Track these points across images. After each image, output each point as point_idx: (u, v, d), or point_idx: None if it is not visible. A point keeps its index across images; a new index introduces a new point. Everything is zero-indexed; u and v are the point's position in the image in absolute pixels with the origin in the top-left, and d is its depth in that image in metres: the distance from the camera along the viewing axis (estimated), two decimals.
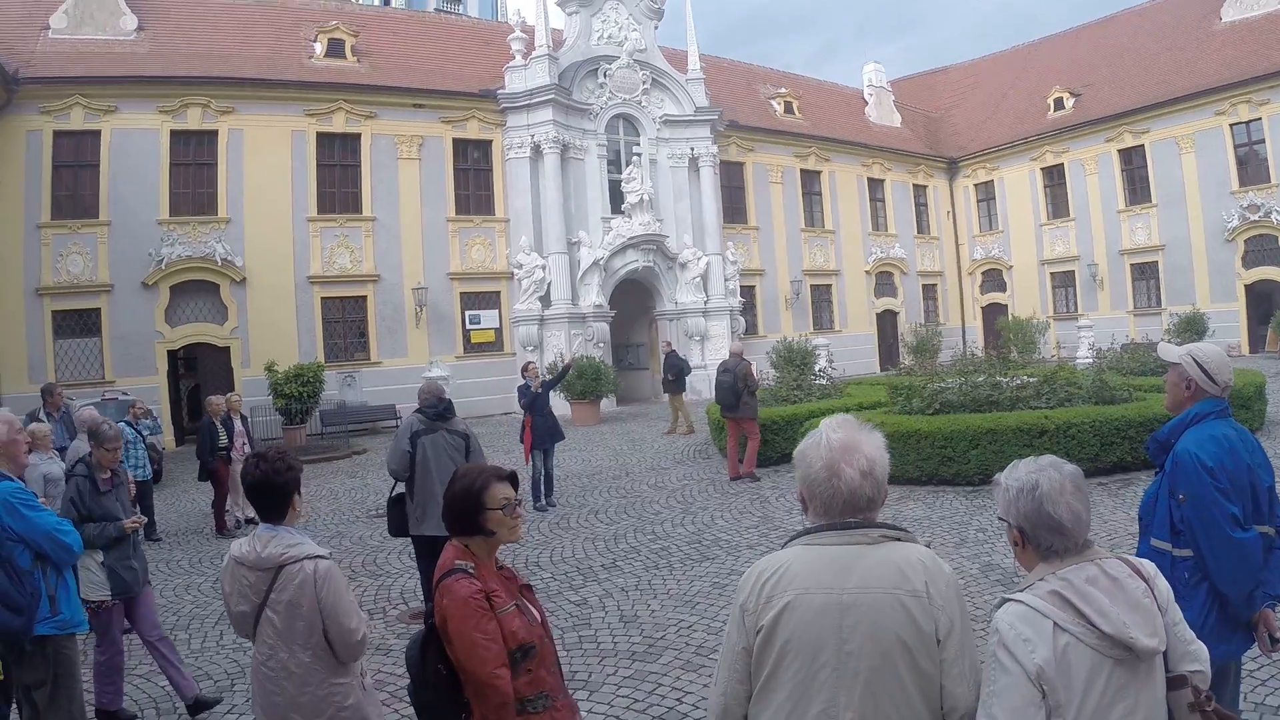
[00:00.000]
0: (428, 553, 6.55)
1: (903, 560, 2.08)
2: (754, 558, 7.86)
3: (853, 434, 2.22)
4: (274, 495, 3.21)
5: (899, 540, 2.14)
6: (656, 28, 27.98)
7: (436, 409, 6.96)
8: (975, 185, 36.26)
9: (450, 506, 2.82)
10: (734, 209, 29.80)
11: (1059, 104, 33.00)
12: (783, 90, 33.44)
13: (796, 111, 33.00)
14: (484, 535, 2.79)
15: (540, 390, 12.43)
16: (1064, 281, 33.36)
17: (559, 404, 22.40)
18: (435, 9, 40.43)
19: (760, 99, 32.75)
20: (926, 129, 38.31)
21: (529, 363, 14.08)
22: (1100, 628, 2.00)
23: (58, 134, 21.24)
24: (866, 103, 37.00)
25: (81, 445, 7.85)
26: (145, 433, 11.84)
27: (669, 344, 20.07)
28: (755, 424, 12.36)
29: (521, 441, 12.28)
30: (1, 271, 20.49)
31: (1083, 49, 35.14)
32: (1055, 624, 2.02)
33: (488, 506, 2.78)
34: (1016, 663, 1.99)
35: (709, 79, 28.54)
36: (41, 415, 10.56)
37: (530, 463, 11.92)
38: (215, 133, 22.45)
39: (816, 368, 20.04)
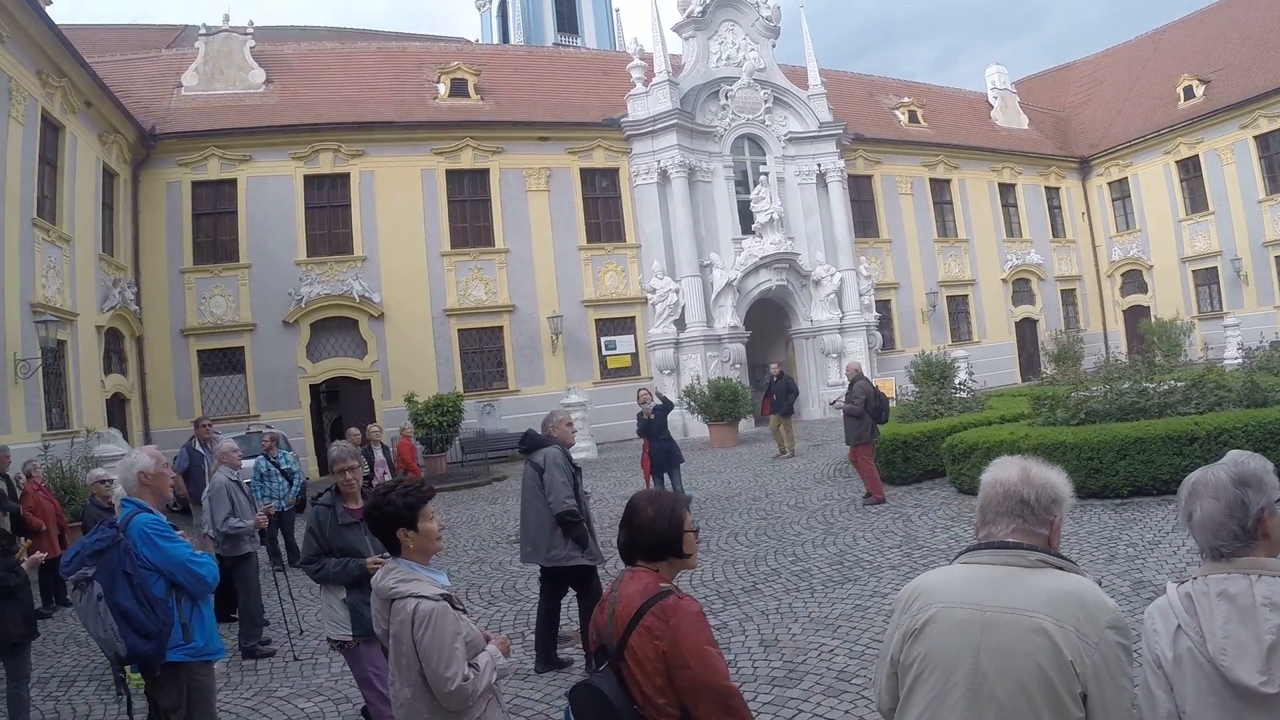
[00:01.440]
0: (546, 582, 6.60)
1: (1057, 588, 2.03)
2: (897, 579, 7.74)
3: (1029, 461, 2.22)
4: (380, 528, 3.19)
5: (1061, 569, 2.09)
6: (774, 46, 27.66)
7: (524, 443, 6.87)
8: (1109, 184, 34.40)
9: (651, 530, 2.76)
10: (865, 223, 29.00)
11: (1189, 93, 31.01)
12: (906, 99, 32.58)
13: (921, 120, 32.05)
14: (677, 559, 2.78)
15: (652, 418, 12.73)
16: (1207, 279, 31.16)
17: (696, 426, 22.41)
18: (553, 43, 41.23)
19: (884, 110, 31.96)
20: (1055, 129, 36.70)
21: (641, 389, 14.20)
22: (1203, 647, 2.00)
23: (196, 184, 22.41)
24: (992, 106, 35.70)
25: (222, 476, 8.06)
26: (282, 464, 11.94)
27: (777, 366, 19.35)
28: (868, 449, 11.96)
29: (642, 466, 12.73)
30: (149, 314, 21.59)
31: (1209, 33, 33.05)
32: (1179, 625, 2.05)
33: (685, 529, 2.78)
34: (1148, 649, 2.11)
35: (830, 93, 27.98)
36: (198, 447, 10.89)
37: (648, 483, 12.10)
38: (347, 175, 23.20)
39: (956, 381, 19.38)
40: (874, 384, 12.95)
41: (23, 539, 6.69)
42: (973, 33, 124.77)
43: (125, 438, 17.89)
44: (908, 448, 12.63)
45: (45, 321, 15.56)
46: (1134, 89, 34.95)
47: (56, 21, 16.94)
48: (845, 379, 12.43)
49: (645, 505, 2.81)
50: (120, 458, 14.15)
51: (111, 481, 8.78)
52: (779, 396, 18.23)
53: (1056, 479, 2.19)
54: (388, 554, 3.44)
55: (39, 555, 6.55)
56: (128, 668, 4.44)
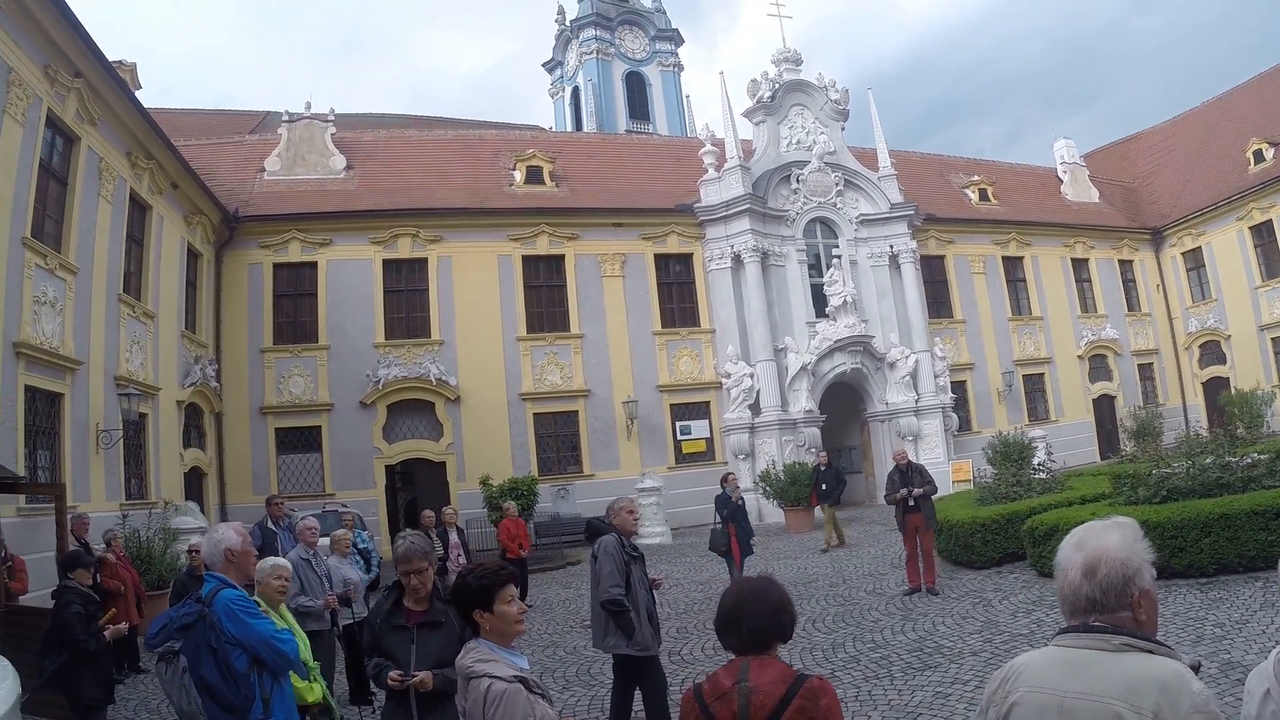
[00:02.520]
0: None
1: (1139, 674, 1.95)
2: (978, 665, 7.64)
3: (1091, 531, 2.15)
4: (458, 607, 3.28)
5: (1149, 652, 2.00)
6: (843, 129, 27.83)
7: (586, 530, 7.06)
8: (1182, 254, 33.63)
9: (777, 615, 2.77)
10: (938, 303, 28.71)
11: (1259, 156, 30.32)
12: (975, 177, 32.42)
13: (992, 198, 31.84)
14: (780, 645, 2.79)
15: (740, 503, 12.83)
16: None
17: (771, 510, 22.10)
18: (625, 130, 41.98)
19: (954, 189, 31.83)
20: (1125, 201, 36.20)
21: (729, 473, 14.15)
22: None
23: (277, 266, 23.05)
24: (1061, 180, 35.36)
25: (294, 554, 8.04)
26: (359, 543, 11.94)
27: (825, 455, 19.07)
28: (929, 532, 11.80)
29: (715, 551, 12.77)
30: (229, 391, 22.05)
31: (1276, 95, 32.47)
32: (1269, 690, 2.04)
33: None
34: (1243, 712, 2.12)
35: (900, 173, 27.95)
36: (270, 525, 10.92)
37: (741, 570, 12.13)
38: (425, 260, 23.65)
39: (1035, 461, 18.86)
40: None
41: (109, 609, 6.70)
42: (1038, 108, 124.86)
43: (202, 510, 18.27)
44: (987, 531, 12.42)
45: (128, 395, 15.99)
46: (1203, 156, 34.44)
47: (145, 105, 17.59)
48: (897, 464, 12.16)
49: (763, 594, 2.81)
50: (197, 530, 14.54)
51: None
52: (829, 486, 17.77)
53: (1124, 555, 2.09)
54: (416, 674, 4.03)
55: (122, 626, 6.63)
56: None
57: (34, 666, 6.09)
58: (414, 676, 4.05)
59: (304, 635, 5.47)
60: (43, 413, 13.84)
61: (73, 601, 6.27)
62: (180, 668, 4.30)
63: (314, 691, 5.35)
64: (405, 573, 4.31)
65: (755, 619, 2.74)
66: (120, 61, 18.50)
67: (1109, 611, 2.05)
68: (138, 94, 17.88)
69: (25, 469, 12.59)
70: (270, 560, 5.67)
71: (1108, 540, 2.10)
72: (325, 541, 10.46)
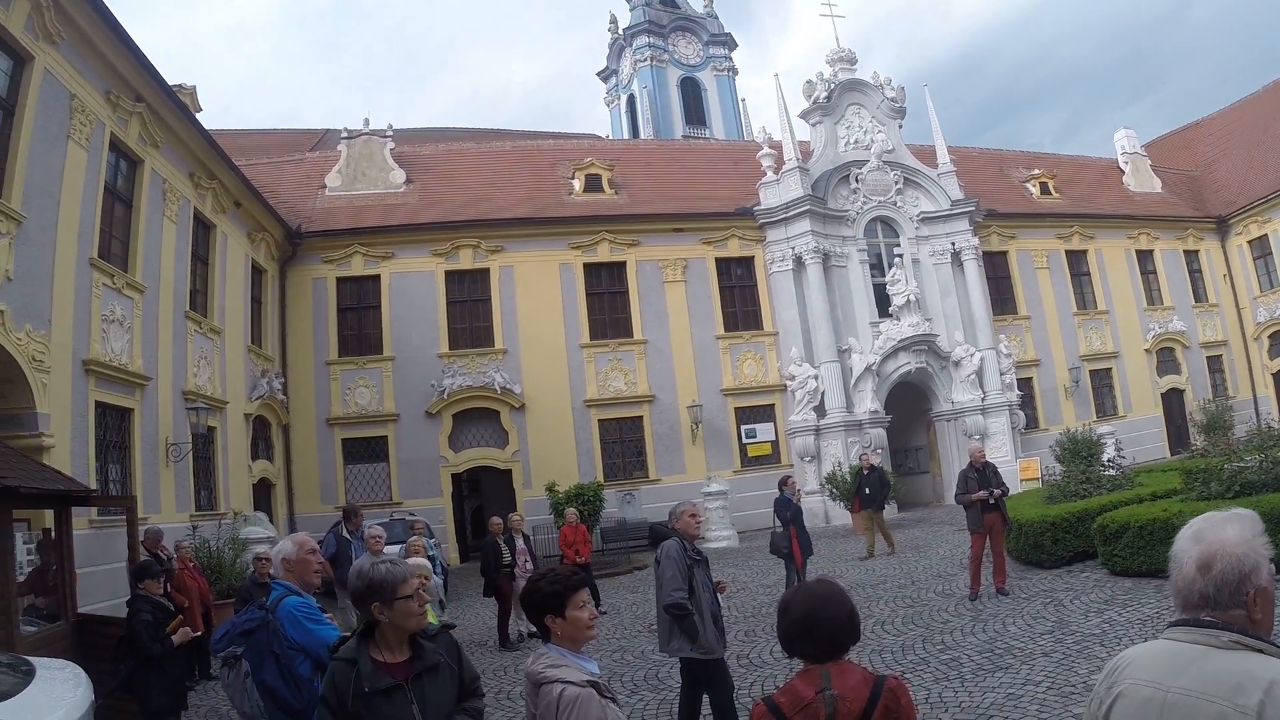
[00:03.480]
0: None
1: (1246, 672, 1.87)
2: (1050, 666, 7.53)
3: (1210, 523, 2.07)
4: (529, 613, 3.27)
5: (1259, 651, 1.92)
6: (900, 126, 27.52)
7: (650, 535, 6.96)
8: (1248, 242, 32.70)
9: (851, 618, 2.75)
10: (1002, 299, 28.26)
11: None
12: (1036, 171, 31.89)
13: (1053, 191, 31.30)
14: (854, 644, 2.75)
15: (800, 506, 12.91)
16: None
17: (838, 513, 21.95)
18: (682, 136, 42.02)
19: (1014, 183, 31.34)
20: (1189, 190, 35.36)
21: (788, 476, 14.13)
22: None
23: (341, 280, 23.42)
24: (1123, 171, 34.65)
25: (361, 562, 8.04)
26: (428, 550, 12.06)
27: (868, 457, 18.59)
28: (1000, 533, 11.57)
29: (776, 554, 12.72)
30: (295, 404, 22.47)
31: None
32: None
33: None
34: None
35: (960, 169, 27.55)
36: (345, 533, 11.07)
37: (803, 573, 12.14)
38: (487, 271, 23.85)
39: (1104, 458, 18.41)
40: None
41: (177, 615, 6.84)
42: (1095, 99, 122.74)
43: (270, 521, 18.55)
44: (1057, 529, 12.19)
45: (196, 409, 16.36)
46: (1265, 142, 33.51)
47: (206, 127, 17.96)
48: (973, 463, 11.86)
49: (830, 602, 2.75)
50: (265, 539, 14.75)
51: (270, 559, 9.09)
52: (873, 491, 17.11)
53: (1241, 551, 2.00)
54: None
55: (187, 630, 6.67)
56: None
57: (107, 674, 6.23)
58: None
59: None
60: (113, 427, 14.16)
61: (142, 610, 6.42)
62: (242, 671, 4.46)
63: None
64: (391, 601, 3.22)
65: (834, 624, 2.70)
66: (180, 85, 18.97)
67: (1222, 608, 2.00)
68: (198, 116, 18.31)
69: (96, 482, 12.91)
70: (413, 560, 5.78)
71: (1225, 534, 2.03)
72: (392, 549, 10.62)
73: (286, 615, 4.33)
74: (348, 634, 3.75)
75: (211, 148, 17.85)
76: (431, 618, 5.30)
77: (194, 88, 20.80)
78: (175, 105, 16.29)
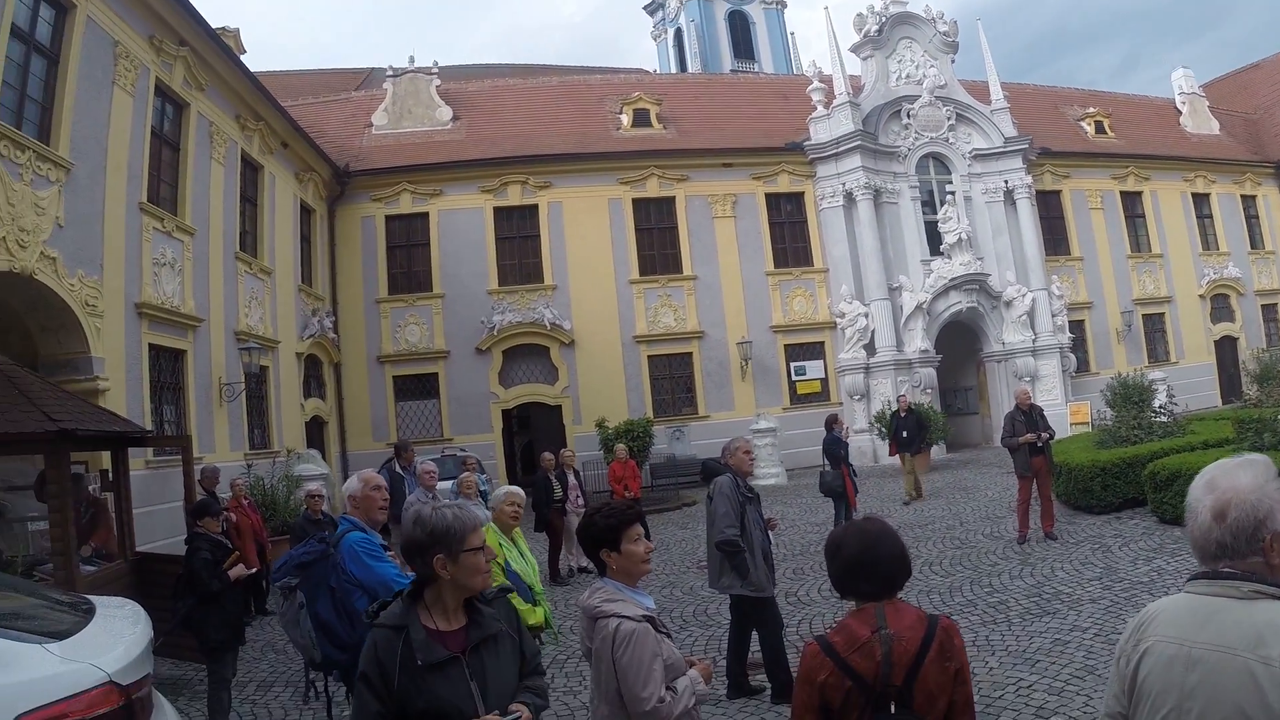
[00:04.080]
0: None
1: (1267, 623, 1.83)
2: (1097, 613, 7.48)
3: (1222, 470, 2.02)
4: (585, 547, 3.24)
5: None
6: (953, 61, 26.91)
7: (702, 472, 6.91)
8: None
9: (905, 555, 2.71)
10: (1054, 240, 27.74)
11: None
12: (1091, 109, 31.12)
13: (1108, 130, 30.56)
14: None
15: (848, 442, 12.94)
16: None
17: (887, 452, 21.76)
18: (730, 70, 41.43)
19: (1068, 122, 30.62)
20: (1247, 132, 34.35)
21: (836, 415, 14.06)
22: None
23: (389, 218, 23.47)
24: (1180, 112, 33.73)
25: (415, 498, 8.27)
26: (480, 485, 12.14)
27: (906, 399, 18.15)
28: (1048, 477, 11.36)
29: (828, 494, 12.62)
30: (346, 342, 22.66)
31: None
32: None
33: None
34: None
35: (1013, 106, 26.95)
36: (398, 469, 11.16)
37: (855, 511, 12.15)
38: (535, 207, 23.76)
39: (1156, 404, 18.12)
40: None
41: (235, 551, 6.95)
42: (1152, 36, 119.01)
43: (323, 458, 18.72)
44: (1107, 475, 12.01)
45: (248, 349, 16.55)
46: None
47: (251, 69, 17.93)
48: (1019, 405, 11.58)
49: (883, 540, 2.71)
50: (318, 476, 14.90)
51: (323, 496, 9.20)
52: (910, 434, 16.46)
53: (1256, 497, 1.95)
54: (502, 713, 2.61)
55: (242, 566, 6.75)
56: None
57: (165, 611, 6.32)
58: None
59: (534, 561, 5.59)
60: (167, 369, 14.37)
61: (201, 548, 6.49)
62: (296, 603, 4.52)
63: (536, 614, 5.48)
64: (456, 554, 2.63)
65: (889, 562, 2.66)
66: (224, 28, 18.89)
67: (1239, 557, 1.95)
68: (243, 58, 18.21)
69: (152, 424, 13.15)
70: (504, 488, 5.81)
71: (1239, 480, 1.98)
72: (444, 485, 10.67)
73: (348, 550, 4.35)
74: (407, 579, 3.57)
75: (257, 89, 17.83)
76: (497, 573, 5.26)
77: (237, 30, 20.76)
78: (219, 48, 16.26)
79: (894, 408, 21.33)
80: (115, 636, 3.68)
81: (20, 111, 11.02)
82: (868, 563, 2.65)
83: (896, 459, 20.43)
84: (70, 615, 3.85)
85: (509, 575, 5.24)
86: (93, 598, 4.28)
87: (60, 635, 3.46)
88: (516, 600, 5.05)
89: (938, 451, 21.90)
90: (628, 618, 2.99)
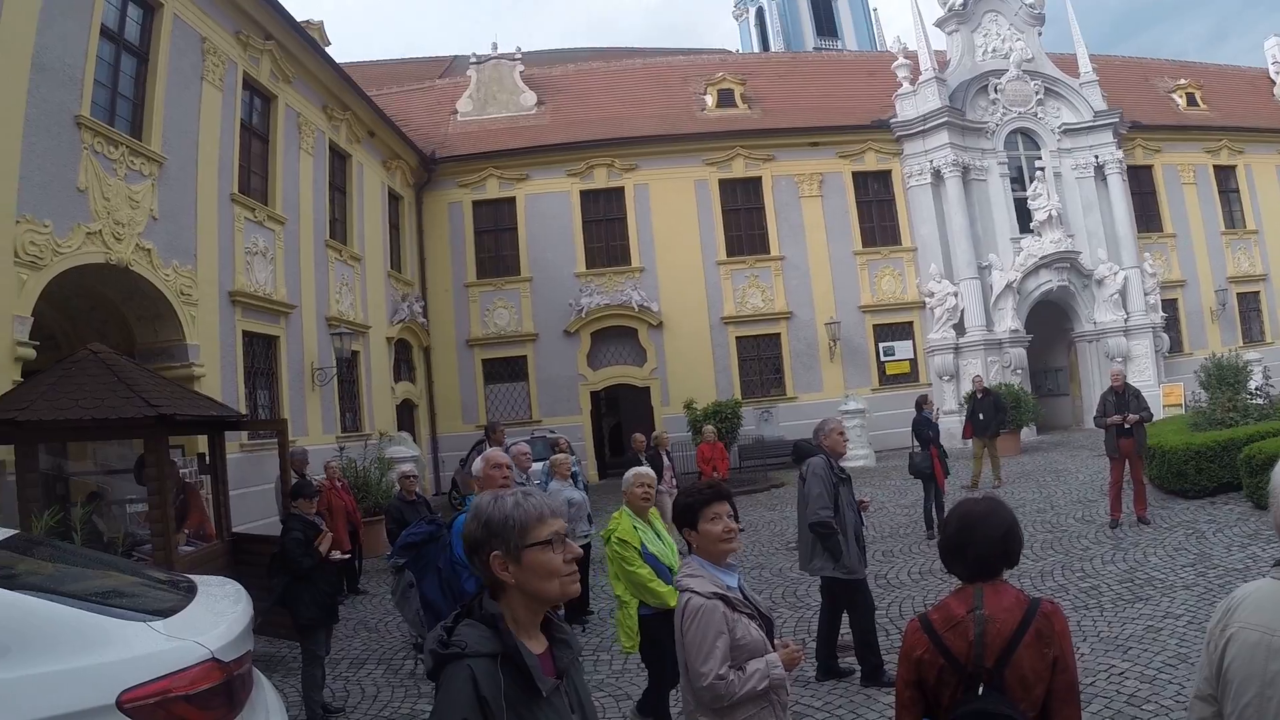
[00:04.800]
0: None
1: None
2: (1190, 600, 7.35)
3: None
4: (677, 525, 3.30)
5: None
6: (1040, 34, 26.33)
7: (794, 453, 6.78)
8: None
9: (1005, 541, 2.66)
10: (1146, 216, 27.03)
11: None
12: (1181, 81, 30.23)
13: (1200, 102, 29.66)
14: (1010, 568, 2.69)
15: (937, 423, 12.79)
16: None
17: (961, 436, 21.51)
18: (813, 48, 41.12)
19: (1159, 94, 29.81)
20: None
21: (926, 396, 13.89)
22: None
23: (476, 203, 23.78)
24: (1274, 82, 32.43)
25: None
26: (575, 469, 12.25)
27: (979, 380, 17.48)
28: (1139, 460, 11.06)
29: (917, 475, 12.21)
30: (436, 326, 23.07)
31: None
32: None
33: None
34: None
35: (1101, 79, 26.27)
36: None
37: (944, 493, 12.00)
38: (621, 189, 23.89)
39: (1251, 386, 17.59)
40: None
41: (324, 529, 7.10)
42: (1242, 3, 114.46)
43: (414, 440, 19.09)
44: (1201, 458, 11.65)
45: (340, 334, 16.88)
46: None
47: (336, 60, 18.26)
48: (1113, 386, 11.31)
49: (989, 517, 2.68)
50: (409, 458, 15.19)
51: (417, 478, 9.42)
52: (986, 417, 15.70)
53: None
54: None
55: (335, 553, 6.90)
56: None
57: (260, 589, 6.42)
58: None
59: (672, 542, 5.53)
60: (260, 355, 14.79)
61: (294, 528, 6.65)
62: (405, 582, 4.75)
63: (675, 597, 5.48)
64: (517, 551, 2.04)
65: (983, 545, 2.63)
66: (308, 20, 19.24)
67: None
68: (327, 50, 18.58)
69: (246, 408, 13.58)
70: (633, 470, 5.77)
71: None
72: (537, 467, 10.74)
73: (458, 531, 4.33)
74: None
75: (342, 80, 18.18)
76: (673, 596, 4.85)
77: (321, 22, 21.10)
78: (304, 40, 16.61)
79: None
80: (218, 615, 3.77)
81: (113, 109, 11.40)
82: (963, 543, 2.67)
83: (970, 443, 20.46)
84: (172, 594, 3.95)
85: (646, 558, 5.22)
86: (193, 577, 4.42)
87: (164, 613, 3.55)
88: (657, 584, 5.12)
89: (1028, 434, 21.61)
90: (698, 593, 3.06)
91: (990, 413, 15.87)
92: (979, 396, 16.25)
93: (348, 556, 9.23)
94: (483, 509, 2.09)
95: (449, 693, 1.89)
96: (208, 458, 9.55)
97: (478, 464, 4.69)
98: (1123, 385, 11.30)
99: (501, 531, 2.04)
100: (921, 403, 13.33)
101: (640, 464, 12.22)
